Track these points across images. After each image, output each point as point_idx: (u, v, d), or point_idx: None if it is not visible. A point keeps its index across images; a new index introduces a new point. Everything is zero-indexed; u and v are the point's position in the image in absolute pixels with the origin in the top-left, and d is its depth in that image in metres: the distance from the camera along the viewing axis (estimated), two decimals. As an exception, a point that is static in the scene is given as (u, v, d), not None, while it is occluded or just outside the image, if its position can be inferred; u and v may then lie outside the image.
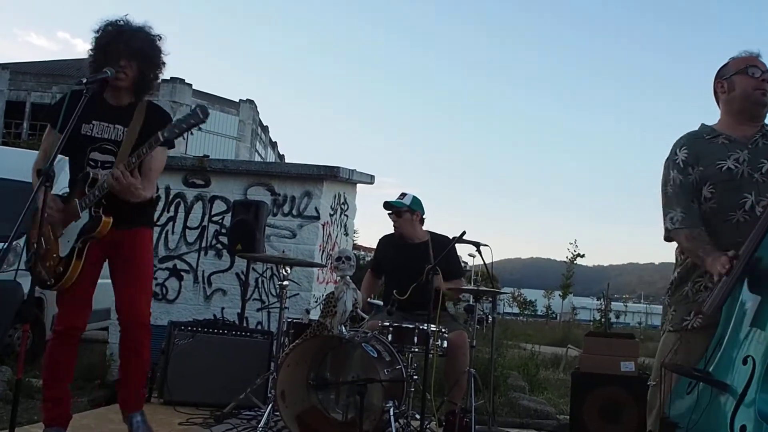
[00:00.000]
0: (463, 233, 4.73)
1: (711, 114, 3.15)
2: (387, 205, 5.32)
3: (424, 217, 5.39)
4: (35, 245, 3.32)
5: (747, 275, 2.58)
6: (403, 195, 5.32)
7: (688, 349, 2.84)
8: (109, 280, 3.67)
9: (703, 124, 3.10)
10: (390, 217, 5.33)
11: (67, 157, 3.64)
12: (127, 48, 3.47)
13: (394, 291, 4.96)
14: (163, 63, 3.64)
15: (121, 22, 3.55)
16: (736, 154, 2.90)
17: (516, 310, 50.64)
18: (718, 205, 2.90)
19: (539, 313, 47.90)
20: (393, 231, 5.47)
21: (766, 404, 2.28)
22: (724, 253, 2.66)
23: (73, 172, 3.58)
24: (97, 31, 3.54)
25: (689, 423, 2.52)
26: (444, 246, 4.91)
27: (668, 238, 3.01)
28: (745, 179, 2.87)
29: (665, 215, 2.98)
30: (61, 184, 3.70)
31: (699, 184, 2.93)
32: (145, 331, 3.64)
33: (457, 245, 5.09)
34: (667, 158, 3.05)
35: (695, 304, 2.89)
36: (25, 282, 3.70)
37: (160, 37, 3.62)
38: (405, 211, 5.24)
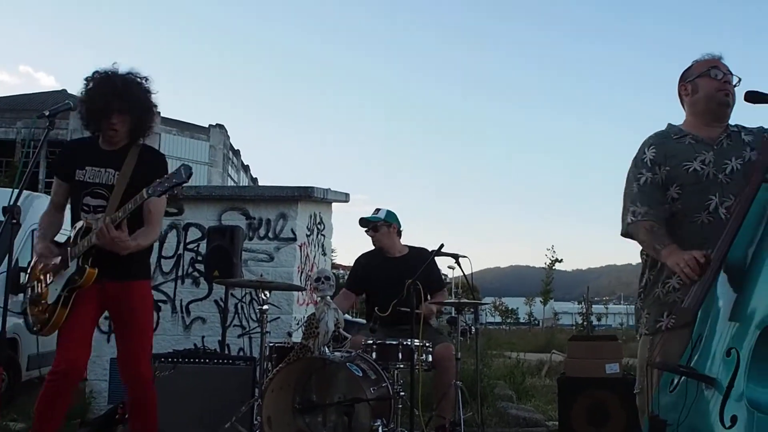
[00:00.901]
0: (442, 246, 4.73)
1: (678, 111, 3.19)
2: (363, 221, 5.33)
3: (401, 229, 5.41)
4: (30, 290, 3.40)
5: (720, 273, 2.59)
6: (378, 210, 5.35)
7: (665, 350, 2.85)
8: None
9: (670, 124, 3.13)
10: (368, 234, 5.34)
11: (34, 193, 3.65)
12: (121, 103, 3.46)
13: (376, 308, 4.94)
14: (155, 107, 3.64)
15: (113, 75, 3.51)
16: (702, 156, 2.93)
17: (498, 319, 50.74)
18: (684, 206, 2.93)
19: (522, 320, 48.06)
20: (371, 248, 5.46)
21: (754, 392, 2.28)
22: (688, 252, 2.67)
23: (72, 219, 3.59)
24: (87, 83, 3.53)
25: (678, 420, 2.51)
26: (424, 259, 4.90)
27: (626, 234, 3.03)
28: (710, 180, 2.90)
29: (627, 210, 3.00)
30: (30, 221, 3.70)
31: (666, 183, 2.95)
32: (148, 386, 3.63)
33: (436, 258, 5.09)
34: (635, 157, 3.07)
35: (667, 306, 2.91)
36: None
37: (147, 79, 3.61)
38: (381, 224, 5.27)
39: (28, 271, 3.62)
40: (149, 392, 3.64)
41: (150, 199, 3.35)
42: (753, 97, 2.73)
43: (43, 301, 3.45)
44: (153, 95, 3.63)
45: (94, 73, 3.53)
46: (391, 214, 5.34)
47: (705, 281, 2.57)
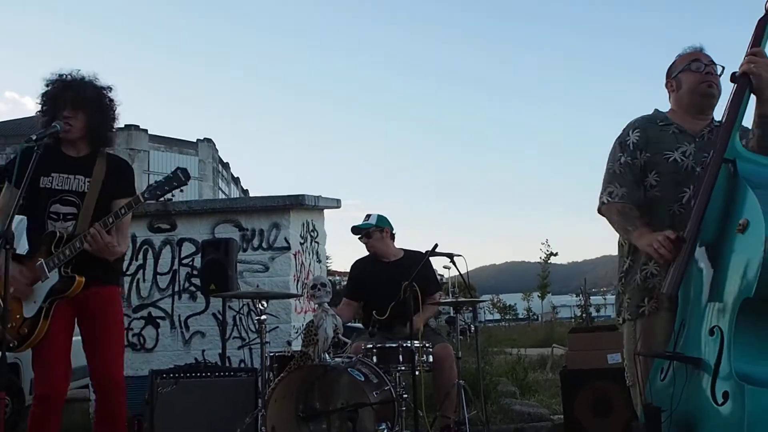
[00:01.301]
0: (436, 246, 4.74)
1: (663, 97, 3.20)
2: (355, 229, 5.34)
3: (393, 233, 5.41)
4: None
5: (693, 255, 2.61)
6: (368, 216, 5.36)
7: (648, 336, 2.87)
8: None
9: (656, 110, 3.14)
10: (361, 241, 5.35)
11: (25, 217, 3.58)
12: (73, 98, 3.44)
13: (374, 312, 4.94)
14: (114, 111, 3.60)
15: (68, 75, 3.52)
16: (684, 147, 2.95)
17: (497, 316, 50.75)
18: (661, 195, 2.95)
19: (520, 316, 48.06)
20: (366, 254, 5.46)
21: (740, 364, 2.32)
22: (659, 232, 2.70)
23: (33, 228, 3.51)
24: (46, 85, 3.52)
25: (672, 405, 2.53)
26: (419, 261, 4.90)
27: (600, 212, 3.06)
28: (688, 172, 2.91)
29: (605, 189, 3.03)
30: (25, 245, 3.63)
31: (645, 169, 2.98)
32: (120, 392, 3.53)
33: (432, 259, 5.10)
34: (619, 137, 3.09)
35: (647, 291, 2.93)
36: None
37: (110, 88, 3.59)
38: (374, 230, 5.27)
39: None
40: (121, 399, 3.53)
41: (122, 203, 3.37)
42: (733, 77, 2.76)
43: (17, 316, 3.34)
44: (111, 100, 3.59)
45: (52, 75, 3.52)
46: (382, 219, 5.35)
47: (680, 264, 2.59)
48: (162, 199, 3.36)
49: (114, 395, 3.51)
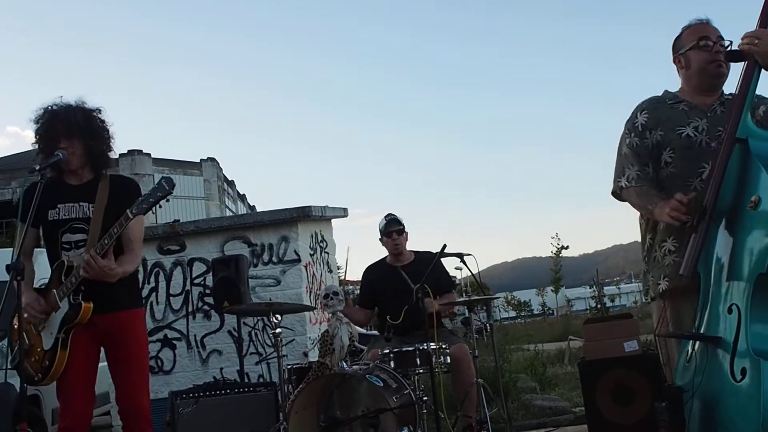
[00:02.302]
0: (444, 246, 4.74)
1: (673, 80, 3.18)
2: (394, 222, 5.27)
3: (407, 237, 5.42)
4: (18, 342, 3.23)
5: (714, 227, 2.63)
6: (391, 215, 5.32)
7: (676, 317, 2.88)
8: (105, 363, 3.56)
9: (666, 91, 3.14)
10: (393, 237, 5.25)
11: (37, 249, 3.59)
12: (65, 128, 3.41)
13: (388, 317, 4.93)
14: (107, 132, 3.57)
15: (54, 105, 3.49)
16: (696, 122, 2.95)
17: (512, 313, 50.64)
18: (678, 171, 2.95)
19: (536, 312, 47.96)
20: (376, 261, 5.46)
21: (757, 341, 2.35)
22: (670, 199, 2.73)
23: (50, 260, 3.50)
24: (35, 121, 3.48)
25: (695, 385, 2.55)
26: (429, 262, 4.88)
27: (617, 195, 3.08)
28: (703, 148, 2.91)
29: (620, 173, 3.04)
30: (36, 277, 3.64)
31: (658, 148, 2.98)
32: (145, 421, 3.48)
33: (442, 259, 5.09)
34: (628, 120, 3.10)
35: (665, 268, 2.94)
36: (16, 382, 3.60)
37: (99, 110, 3.56)
38: (404, 229, 5.29)
39: (12, 325, 3.47)
40: (148, 425, 3.49)
41: (129, 228, 3.32)
42: (733, 56, 2.76)
43: (38, 350, 3.36)
44: (103, 121, 3.56)
45: (39, 109, 3.49)
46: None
47: (695, 245, 2.62)
48: (152, 210, 3.30)
49: (139, 424, 3.46)
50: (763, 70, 2.69)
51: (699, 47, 2.96)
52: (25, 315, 3.30)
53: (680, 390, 2.53)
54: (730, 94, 3.02)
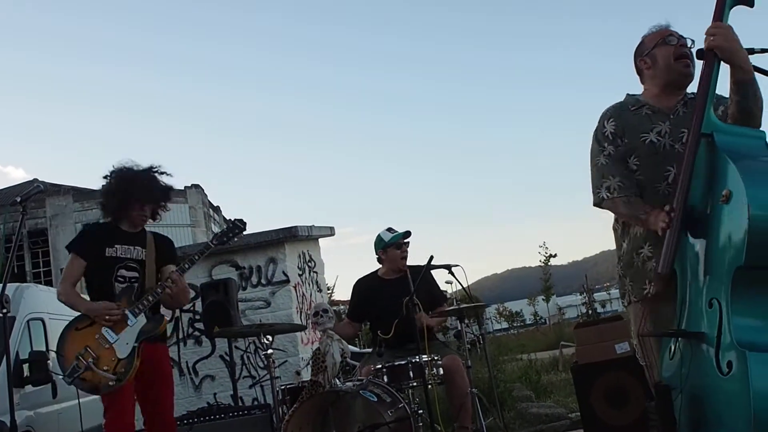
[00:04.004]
0: (431, 258, 4.75)
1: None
2: (408, 234, 5.27)
3: None
4: (78, 358, 3.69)
5: (687, 225, 2.65)
6: (393, 230, 5.32)
7: (656, 318, 2.88)
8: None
9: (628, 95, 3.16)
10: (404, 248, 5.25)
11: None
12: (147, 195, 4.02)
13: (379, 332, 4.93)
14: (169, 196, 4.19)
15: (134, 169, 4.06)
16: (659, 126, 2.96)
17: (505, 324, 50.56)
18: (644, 177, 2.96)
19: (528, 321, 47.93)
20: (366, 274, 5.45)
21: (740, 333, 2.36)
22: (657, 210, 2.74)
23: (99, 289, 3.97)
24: (108, 179, 4.07)
25: (682, 382, 2.56)
26: (423, 277, 4.86)
27: (599, 206, 3.07)
28: (667, 151, 2.92)
29: (599, 185, 3.03)
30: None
31: (625, 155, 3.00)
32: None
33: (434, 273, 5.10)
34: (596, 130, 3.10)
35: (647, 274, 2.94)
36: (7, 418, 3.74)
37: (167, 173, 4.16)
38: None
39: (65, 339, 3.84)
40: None
41: (169, 268, 4.02)
42: (699, 54, 2.79)
43: (112, 359, 3.76)
44: (170, 189, 4.18)
45: (117, 169, 4.06)
46: None
47: (669, 243, 2.63)
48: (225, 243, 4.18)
49: None
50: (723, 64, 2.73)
51: (665, 43, 2.99)
52: (106, 317, 3.80)
53: (669, 388, 2.54)
54: (693, 93, 3.02)
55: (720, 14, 2.75)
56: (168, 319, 3.99)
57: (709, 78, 2.71)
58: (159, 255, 4.12)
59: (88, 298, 4.03)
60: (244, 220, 4.13)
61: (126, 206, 4.02)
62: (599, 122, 3.09)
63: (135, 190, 4.01)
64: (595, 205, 3.09)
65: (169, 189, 4.20)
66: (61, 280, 4.09)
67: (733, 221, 2.43)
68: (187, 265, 3.97)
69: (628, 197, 2.95)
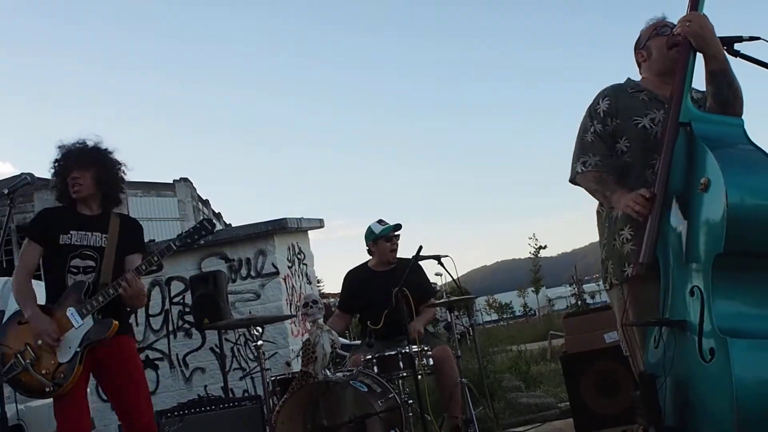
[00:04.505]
0: (420, 248, 4.75)
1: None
2: (398, 227, 5.29)
3: None
4: (17, 357, 3.43)
5: (667, 212, 2.68)
6: (383, 221, 5.32)
7: (638, 303, 2.90)
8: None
9: (629, 78, 3.19)
10: (394, 240, 5.27)
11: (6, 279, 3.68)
12: (78, 160, 3.67)
13: (369, 322, 4.94)
14: (120, 172, 3.82)
15: (78, 143, 3.76)
16: (653, 114, 2.99)
17: (495, 316, 50.73)
18: (633, 161, 2.99)
19: (517, 313, 48.09)
20: (356, 266, 5.46)
21: (721, 321, 2.40)
22: (633, 192, 2.76)
23: (53, 281, 3.67)
24: (56, 154, 3.75)
25: (666, 371, 2.58)
26: (412, 268, 4.87)
27: (574, 181, 3.11)
28: (657, 140, 2.94)
29: (578, 159, 3.07)
30: (13, 306, 3.71)
31: (615, 135, 3.02)
32: None
33: (423, 265, 5.10)
34: (590, 106, 3.13)
35: (625, 257, 2.97)
36: None
37: (113, 151, 3.83)
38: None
39: (6, 333, 3.62)
40: None
41: (133, 257, 3.70)
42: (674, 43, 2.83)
43: (52, 362, 3.48)
44: (116, 161, 3.81)
45: (61, 146, 3.77)
46: None
47: (651, 231, 2.65)
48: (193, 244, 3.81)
49: None
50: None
51: (658, 34, 3.04)
52: (40, 342, 3.48)
53: (653, 376, 2.56)
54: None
55: (695, 4, 2.79)
56: (117, 324, 3.55)
57: (685, 67, 2.76)
58: (123, 242, 3.72)
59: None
60: (214, 222, 3.80)
61: (65, 173, 3.69)
62: (594, 99, 3.12)
63: (72, 155, 3.70)
64: (570, 180, 3.13)
65: (107, 152, 3.79)
66: (16, 270, 3.77)
67: (711, 209, 2.46)
68: (144, 267, 3.59)
69: (601, 174, 2.99)
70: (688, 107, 2.69)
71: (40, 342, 3.49)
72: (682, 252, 2.62)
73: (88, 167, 3.68)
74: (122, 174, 3.85)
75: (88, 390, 3.73)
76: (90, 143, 3.78)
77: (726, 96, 2.82)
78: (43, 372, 3.47)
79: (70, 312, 3.54)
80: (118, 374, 3.67)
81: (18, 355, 3.46)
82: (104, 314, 3.57)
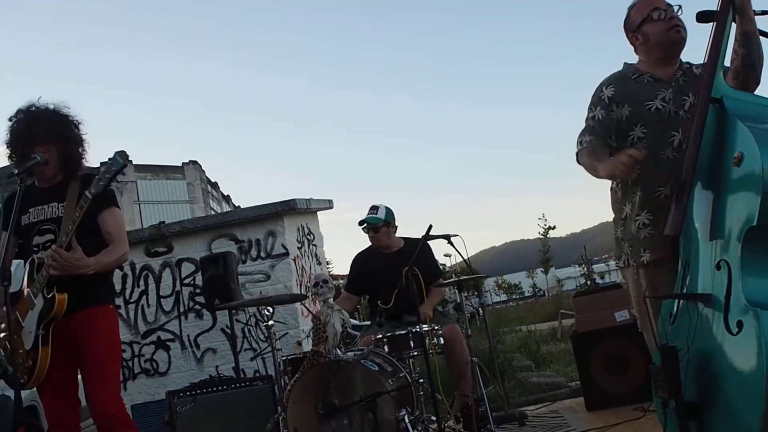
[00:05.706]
0: (430, 227, 4.75)
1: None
2: (363, 222, 5.29)
3: (396, 225, 5.39)
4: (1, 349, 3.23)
5: (693, 189, 2.67)
6: (375, 209, 5.29)
7: (653, 285, 2.89)
8: None
9: (626, 64, 3.16)
10: (367, 234, 5.30)
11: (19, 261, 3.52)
12: (41, 134, 3.31)
13: (379, 302, 4.94)
14: (83, 137, 3.46)
15: (32, 108, 3.38)
16: (663, 93, 2.98)
17: (504, 297, 50.77)
18: (650, 145, 2.96)
19: (527, 294, 48.11)
20: (366, 247, 5.46)
21: (751, 292, 2.39)
22: (622, 152, 2.75)
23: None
24: (10, 120, 3.39)
25: (687, 345, 2.57)
26: (421, 248, 4.86)
27: (577, 160, 3.09)
28: (671, 118, 2.94)
29: (579, 141, 3.06)
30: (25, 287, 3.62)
31: (628, 124, 3.00)
32: (119, 425, 3.24)
33: (432, 245, 5.10)
34: (593, 95, 3.11)
35: (642, 241, 2.96)
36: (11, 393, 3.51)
37: (76, 117, 3.47)
38: (381, 225, 5.23)
39: None
40: (123, 429, 3.25)
41: (103, 221, 3.32)
42: (703, 16, 2.80)
43: (21, 351, 3.18)
44: (77, 127, 3.45)
45: (17, 111, 3.40)
46: (389, 213, 5.26)
47: (681, 205, 2.65)
48: (111, 184, 3.19)
49: (112, 430, 3.23)
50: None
51: (653, 20, 3.00)
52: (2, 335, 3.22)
53: (675, 349, 2.56)
54: (687, 62, 3.08)
55: None
56: (64, 297, 3.15)
57: (719, 40, 2.74)
58: (81, 205, 3.21)
59: None
60: (126, 154, 3.16)
61: (30, 147, 3.29)
62: (598, 87, 3.11)
63: (35, 125, 3.31)
64: (577, 161, 3.11)
65: (73, 124, 3.42)
66: None
67: (745, 183, 2.46)
68: (64, 238, 3.16)
69: (594, 147, 2.98)
70: (719, 83, 2.69)
71: (14, 317, 3.21)
72: (707, 228, 2.62)
73: (52, 140, 3.33)
74: (85, 140, 3.46)
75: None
76: (54, 110, 3.40)
77: (754, 59, 2.83)
78: (17, 363, 3.14)
79: (27, 293, 3.25)
80: (82, 353, 3.27)
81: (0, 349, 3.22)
82: (66, 285, 3.20)
